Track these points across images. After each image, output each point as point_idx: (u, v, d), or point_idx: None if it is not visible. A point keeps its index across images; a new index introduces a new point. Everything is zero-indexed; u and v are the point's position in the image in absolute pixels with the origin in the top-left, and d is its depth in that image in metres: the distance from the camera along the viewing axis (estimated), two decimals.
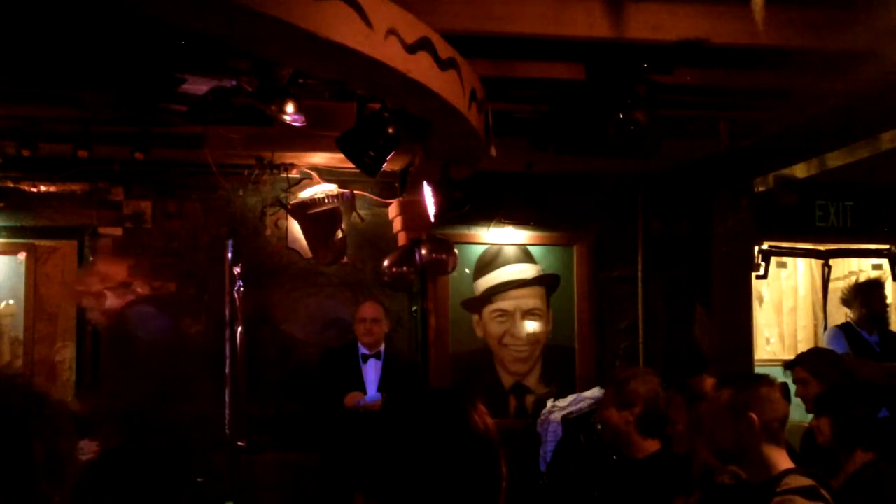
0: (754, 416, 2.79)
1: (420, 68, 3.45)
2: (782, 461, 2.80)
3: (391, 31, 3.24)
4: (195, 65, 4.12)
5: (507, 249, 6.58)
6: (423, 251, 5.92)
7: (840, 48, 3.91)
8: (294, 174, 6.15)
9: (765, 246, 6.70)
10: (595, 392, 6.02)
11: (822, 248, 7.15)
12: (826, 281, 7.35)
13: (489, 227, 6.53)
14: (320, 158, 5.94)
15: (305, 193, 6.08)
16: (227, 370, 4.93)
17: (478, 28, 3.79)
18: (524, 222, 6.59)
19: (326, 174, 6.11)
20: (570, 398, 6.14)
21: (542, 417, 6.14)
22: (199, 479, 5.21)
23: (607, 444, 4.33)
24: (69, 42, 3.95)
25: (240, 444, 4.98)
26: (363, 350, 5.76)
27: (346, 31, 3.00)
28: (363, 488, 1.56)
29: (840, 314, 6.71)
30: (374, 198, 6.35)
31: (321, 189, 6.05)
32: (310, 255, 6.24)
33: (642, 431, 3.79)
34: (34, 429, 1.50)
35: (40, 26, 3.74)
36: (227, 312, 5.02)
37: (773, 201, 6.29)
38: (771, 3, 3.76)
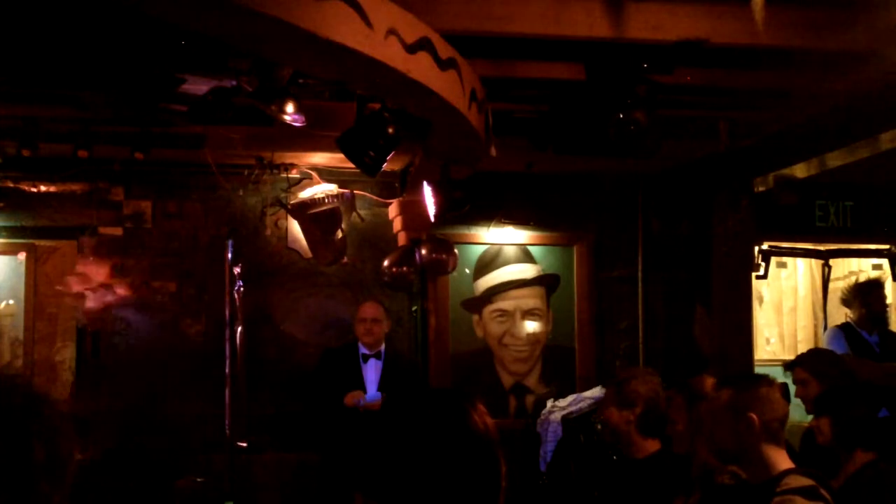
0: (754, 417, 2.79)
1: (420, 68, 3.45)
2: (782, 461, 2.80)
3: (391, 31, 3.24)
4: (195, 65, 4.12)
5: (507, 249, 6.58)
6: (423, 251, 5.92)
7: (840, 48, 3.91)
8: (294, 174, 6.15)
9: (765, 246, 6.70)
10: (595, 392, 6.02)
11: (822, 248, 7.15)
12: (826, 281, 7.35)
13: (489, 227, 6.53)
14: (320, 158, 5.94)
15: (305, 193, 6.08)
16: (227, 370, 4.93)
17: (478, 28, 3.79)
18: (524, 222, 6.60)
19: (326, 174, 6.11)
20: (570, 398, 6.14)
21: (542, 417, 6.14)
22: (198, 479, 5.21)
23: (607, 444, 4.33)
24: (69, 42, 3.95)
25: (240, 444, 4.98)
26: (363, 350, 5.76)
27: (346, 31, 3.00)
28: (363, 488, 1.56)
29: (840, 314, 6.71)
30: (374, 198, 6.35)
31: (321, 189, 6.05)
32: (310, 255, 6.24)
33: (643, 431, 3.79)
34: (34, 429, 1.50)
35: (40, 26, 3.74)
36: (227, 312, 5.02)
37: (773, 201, 6.29)
38: (771, 3, 3.76)
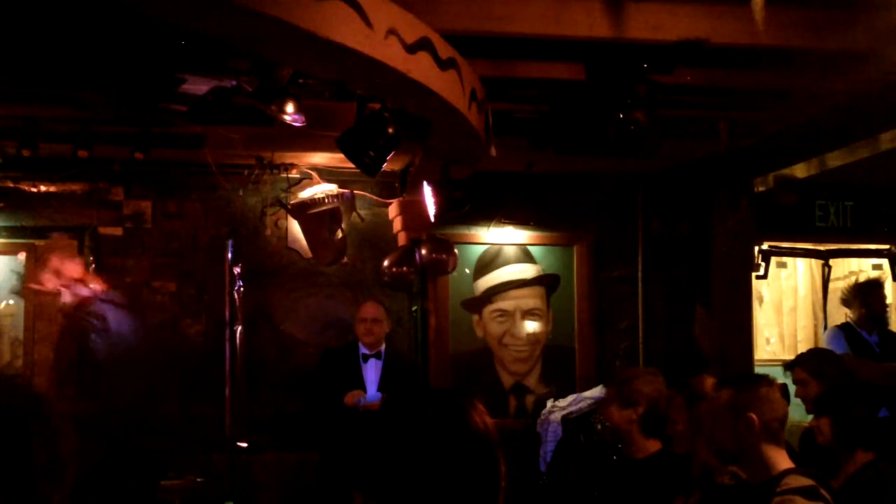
0: (754, 417, 2.79)
1: (420, 68, 3.45)
2: (782, 461, 2.80)
3: (391, 31, 3.24)
4: (195, 65, 4.12)
5: (507, 249, 6.58)
6: (423, 251, 5.92)
7: (840, 48, 3.92)
8: (294, 174, 6.15)
9: (765, 246, 6.70)
10: (595, 392, 6.02)
11: (822, 248, 7.15)
12: (826, 281, 7.35)
13: (489, 227, 6.53)
14: (320, 158, 5.94)
15: (305, 193, 6.07)
16: (227, 370, 4.93)
17: (478, 28, 3.79)
18: (524, 222, 6.60)
19: (326, 174, 6.11)
20: (570, 398, 6.14)
21: (542, 417, 6.14)
22: (198, 479, 5.21)
23: (607, 443, 4.34)
24: (69, 42, 3.95)
25: (240, 444, 4.98)
26: (363, 350, 5.76)
27: (346, 31, 3.00)
28: (362, 488, 1.56)
29: (840, 314, 6.71)
30: (374, 198, 6.35)
31: (321, 189, 6.05)
32: (310, 255, 6.24)
33: (644, 431, 3.80)
34: (34, 429, 1.50)
35: (40, 26, 3.74)
36: (227, 312, 5.02)
37: (773, 201, 6.29)
38: (771, 3, 3.76)
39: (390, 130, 4.26)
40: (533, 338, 6.57)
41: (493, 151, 4.66)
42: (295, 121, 4.17)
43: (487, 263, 6.54)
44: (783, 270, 7.88)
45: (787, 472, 2.75)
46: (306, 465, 6.08)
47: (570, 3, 3.81)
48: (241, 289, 4.95)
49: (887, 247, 7.03)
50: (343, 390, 5.57)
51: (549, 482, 5.93)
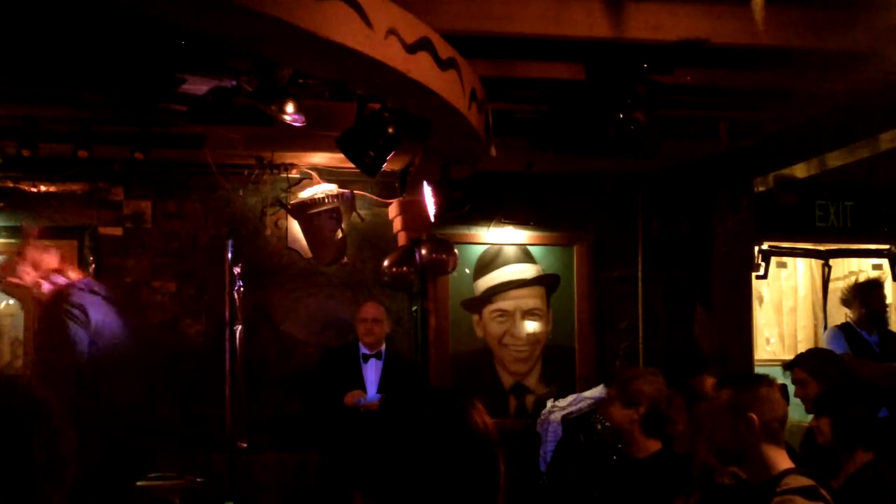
0: (754, 417, 2.79)
1: (420, 68, 3.45)
2: (782, 461, 2.80)
3: (391, 31, 3.24)
4: (195, 65, 4.12)
5: (507, 249, 6.58)
6: (423, 251, 5.92)
7: (840, 48, 3.91)
8: (294, 174, 6.15)
9: (765, 246, 6.70)
10: (595, 392, 6.02)
11: (822, 248, 7.15)
12: (826, 281, 7.35)
13: (489, 227, 6.53)
14: (320, 158, 5.94)
15: (305, 193, 6.07)
16: (227, 370, 4.93)
17: (478, 28, 3.79)
18: (524, 222, 6.60)
19: (326, 174, 6.11)
20: (570, 398, 6.14)
21: (542, 417, 6.14)
22: (198, 479, 5.21)
23: (607, 443, 4.34)
24: (69, 42, 3.95)
25: (240, 444, 4.97)
26: (364, 350, 5.76)
27: (346, 31, 3.00)
28: (362, 488, 1.56)
29: (840, 314, 6.71)
30: (374, 198, 6.35)
31: (321, 189, 6.04)
32: (310, 255, 6.24)
33: (645, 431, 3.80)
34: (34, 429, 1.50)
35: (40, 26, 3.74)
36: (227, 312, 5.01)
37: (773, 201, 6.29)
38: (771, 3, 3.76)
39: (390, 130, 4.26)
40: (533, 338, 6.57)
41: (493, 151, 4.66)
42: (295, 121, 4.17)
43: (487, 263, 6.54)
44: (783, 270, 7.88)
45: (787, 472, 2.75)
46: (306, 465, 6.08)
47: (570, 3, 3.81)
48: (241, 289, 4.94)
49: (887, 247, 7.03)
50: (343, 390, 5.57)
51: (549, 482, 5.93)
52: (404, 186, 5.93)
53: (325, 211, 5.96)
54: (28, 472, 1.48)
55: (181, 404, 6.03)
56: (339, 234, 6.02)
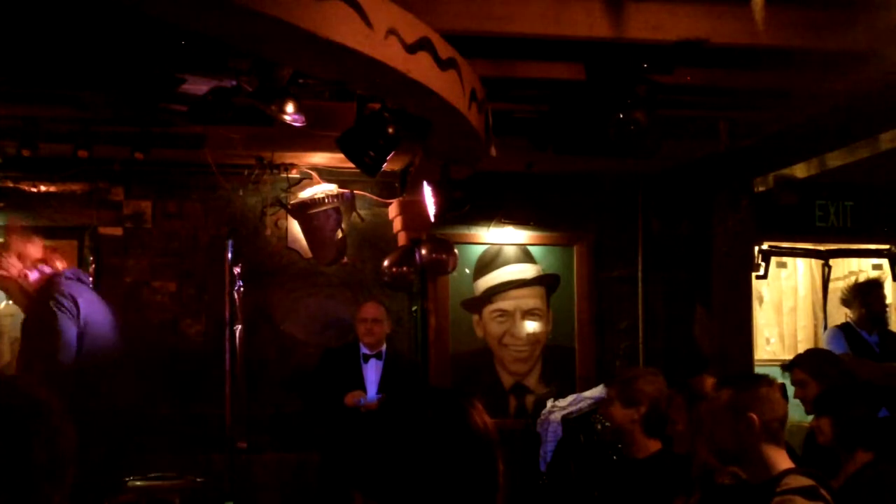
0: (754, 417, 2.79)
1: (420, 68, 3.45)
2: (782, 461, 2.80)
3: (391, 31, 3.24)
4: (195, 65, 4.12)
5: (507, 249, 6.58)
6: (423, 251, 5.92)
7: (840, 48, 3.91)
8: (294, 174, 6.15)
9: (765, 246, 6.70)
10: (595, 392, 6.02)
11: (822, 248, 7.15)
12: (826, 281, 7.35)
13: (489, 227, 6.53)
14: (320, 158, 5.94)
15: (305, 193, 6.07)
16: (227, 370, 4.93)
17: (478, 28, 3.79)
18: (524, 222, 6.60)
19: (326, 174, 6.11)
20: (570, 398, 6.14)
21: (542, 417, 6.14)
22: (198, 479, 5.21)
23: (607, 443, 4.34)
24: (69, 42, 3.95)
25: (240, 445, 4.97)
26: (364, 350, 5.75)
27: (346, 31, 3.00)
28: (361, 487, 1.56)
29: (840, 314, 6.71)
30: (374, 198, 6.35)
31: (321, 189, 6.04)
32: (310, 255, 6.23)
33: (646, 431, 3.80)
34: (34, 429, 1.50)
35: (40, 26, 3.74)
36: (227, 312, 5.01)
37: (773, 201, 6.29)
38: (771, 3, 3.76)
39: (390, 130, 4.26)
40: (533, 338, 6.57)
41: (493, 151, 4.66)
42: (295, 121, 4.16)
43: (487, 263, 6.54)
44: (783, 270, 7.88)
45: (787, 472, 2.75)
46: (306, 465, 6.08)
47: (570, 3, 3.81)
48: (241, 289, 4.94)
49: (887, 247, 7.03)
50: (343, 391, 5.57)
51: (549, 482, 5.93)
52: (404, 186, 5.93)
53: (325, 211, 5.96)
54: (28, 472, 1.48)
55: (181, 404, 6.03)
56: (339, 234, 6.02)
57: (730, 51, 4.12)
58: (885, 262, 7.11)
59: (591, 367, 6.58)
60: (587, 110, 4.30)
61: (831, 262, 7.20)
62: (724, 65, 4.40)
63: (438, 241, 6.00)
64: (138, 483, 4.83)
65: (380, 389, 5.66)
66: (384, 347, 5.80)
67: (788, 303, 7.97)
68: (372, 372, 5.73)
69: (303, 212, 6.02)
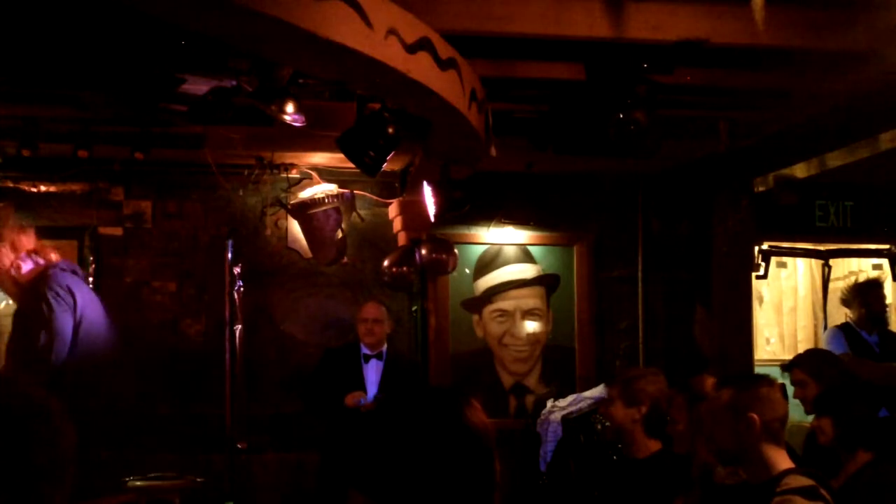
0: (755, 417, 2.79)
1: (420, 68, 3.45)
2: (782, 461, 2.80)
3: (391, 31, 3.24)
4: (195, 65, 4.12)
5: (507, 249, 6.58)
6: (423, 251, 5.92)
7: (840, 48, 3.91)
8: (294, 174, 6.15)
9: (765, 246, 6.70)
10: (595, 392, 6.02)
11: (822, 248, 7.15)
12: (826, 281, 7.35)
13: (489, 227, 6.53)
14: (320, 158, 5.94)
15: (305, 193, 6.07)
16: (227, 370, 4.93)
17: (478, 28, 3.79)
18: (524, 222, 6.59)
19: (326, 174, 6.11)
20: (570, 398, 6.14)
21: (542, 417, 6.13)
22: (198, 479, 5.21)
23: (607, 443, 4.33)
24: (69, 42, 3.95)
25: (240, 445, 4.97)
26: (365, 350, 5.75)
27: (346, 31, 3.00)
28: (360, 486, 1.56)
29: (840, 314, 6.71)
30: (374, 198, 6.35)
31: (321, 189, 6.04)
32: (310, 255, 6.23)
33: (647, 431, 3.80)
34: (34, 429, 1.50)
35: (40, 26, 3.74)
36: (227, 312, 5.02)
37: (773, 201, 6.29)
38: (771, 3, 3.76)
39: (390, 130, 4.26)
40: (533, 338, 6.57)
41: (493, 151, 4.66)
42: (295, 121, 4.16)
43: (487, 263, 6.54)
44: (783, 270, 7.88)
45: (787, 472, 2.76)
46: (306, 465, 6.07)
47: (570, 3, 3.81)
48: (241, 289, 4.94)
49: (887, 247, 7.03)
50: (344, 391, 5.56)
51: (549, 482, 5.93)
52: (404, 186, 5.93)
53: (325, 211, 5.96)
54: (28, 473, 1.47)
55: (181, 404, 6.03)
56: (339, 234, 6.02)
57: (730, 51, 4.12)
58: (885, 262, 7.11)
59: (591, 367, 6.58)
60: (587, 110, 4.30)
61: (831, 262, 7.20)
62: (724, 65, 4.40)
63: (438, 241, 6.00)
64: (138, 483, 4.82)
65: (380, 390, 5.65)
66: (385, 347, 5.79)
67: (788, 303, 7.97)
68: (372, 372, 5.73)
69: (303, 212, 6.02)
